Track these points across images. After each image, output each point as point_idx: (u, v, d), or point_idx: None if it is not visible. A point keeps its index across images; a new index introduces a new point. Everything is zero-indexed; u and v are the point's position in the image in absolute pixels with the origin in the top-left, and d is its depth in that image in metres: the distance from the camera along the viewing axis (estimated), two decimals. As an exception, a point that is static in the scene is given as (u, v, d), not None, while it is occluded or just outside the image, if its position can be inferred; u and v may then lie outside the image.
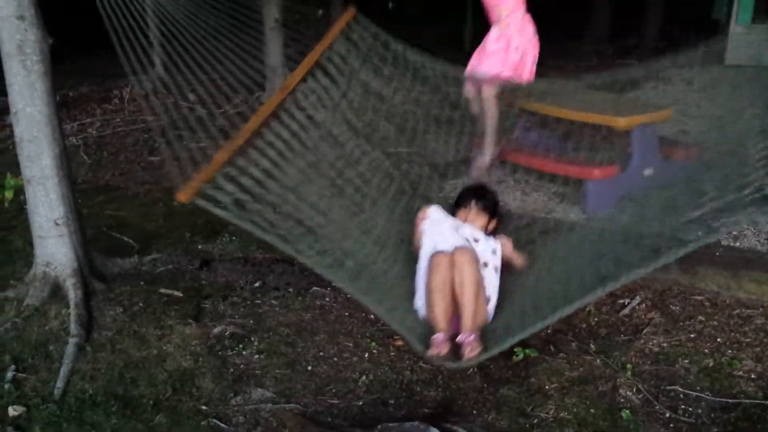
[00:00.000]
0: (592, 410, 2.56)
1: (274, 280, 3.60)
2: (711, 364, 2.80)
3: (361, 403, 2.68)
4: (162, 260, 3.79)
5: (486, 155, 4.24)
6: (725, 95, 6.91)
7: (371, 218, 3.03)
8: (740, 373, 2.75)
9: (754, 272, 3.28)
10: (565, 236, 3.09)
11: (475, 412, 2.61)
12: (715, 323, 3.07)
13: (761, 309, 3.15)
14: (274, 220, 2.36)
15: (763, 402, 2.57)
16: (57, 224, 3.30)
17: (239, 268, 3.73)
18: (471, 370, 2.80)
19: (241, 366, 2.90)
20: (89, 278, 3.42)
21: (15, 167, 3.42)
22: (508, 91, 4.12)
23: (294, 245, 2.31)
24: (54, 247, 3.33)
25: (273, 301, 3.40)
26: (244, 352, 2.99)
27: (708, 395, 2.62)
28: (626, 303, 3.27)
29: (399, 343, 2.99)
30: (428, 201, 3.37)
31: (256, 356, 2.96)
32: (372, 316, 3.17)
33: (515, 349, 2.85)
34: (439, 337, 2.61)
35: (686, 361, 2.83)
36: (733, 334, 2.99)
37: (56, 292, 3.32)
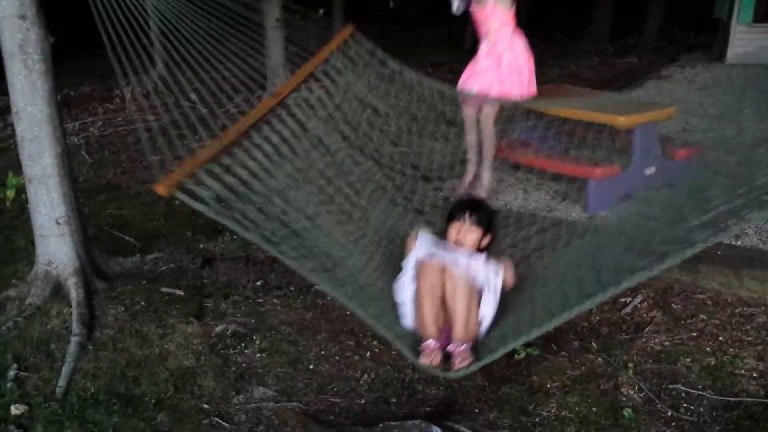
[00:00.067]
0: (593, 409, 2.56)
1: (275, 278, 3.60)
2: (713, 363, 2.80)
3: (362, 401, 2.69)
4: (164, 259, 3.80)
5: (485, 180, 4.26)
6: (727, 94, 6.91)
7: (360, 228, 2.96)
8: (742, 371, 2.74)
9: (756, 271, 3.28)
10: (565, 244, 2.96)
11: (476, 410, 2.61)
12: (717, 322, 3.07)
13: (763, 307, 3.15)
14: (258, 219, 2.31)
15: (764, 400, 2.57)
16: (58, 223, 3.30)
17: (241, 267, 3.73)
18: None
19: (243, 365, 2.90)
20: (91, 277, 3.42)
21: (17, 166, 3.43)
22: (506, 111, 4.12)
23: (277, 246, 2.25)
24: (55, 246, 3.33)
25: (275, 300, 3.40)
26: (245, 351, 2.99)
27: (710, 394, 2.62)
28: (628, 302, 3.27)
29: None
30: (421, 214, 3.34)
31: (258, 355, 2.97)
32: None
33: (517, 348, 2.86)
34: (430, 344, 2.45)
35: (688, 359, 2.83)
36: (734, 332, 2.99)
37: (58, 291, 3.32)
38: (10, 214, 4.44)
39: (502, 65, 4.04)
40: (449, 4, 4.14)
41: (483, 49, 4.13)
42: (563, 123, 4.53)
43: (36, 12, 3.06)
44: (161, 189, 2.13)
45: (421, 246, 2.82)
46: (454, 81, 4.33)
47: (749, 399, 2.58)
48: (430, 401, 2.68)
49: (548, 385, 2.71)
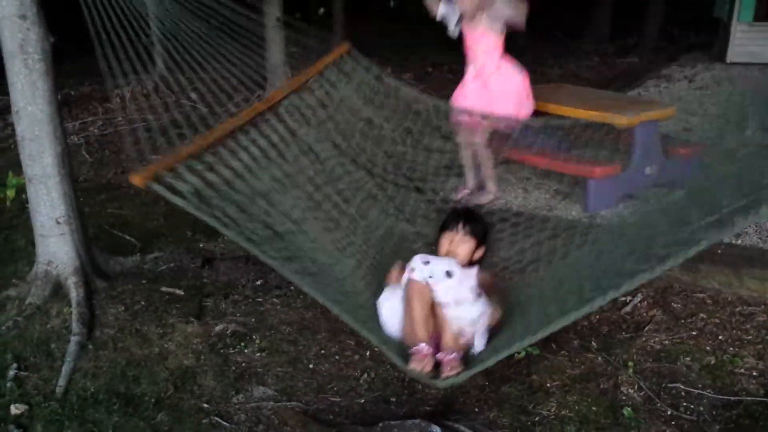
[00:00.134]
0: (593, 408, 2.56)
1: (275, 278, 3.59)
2: (712, 362, 2.80)
3: (362, 401, 2.69)
4: (164, 258, 3.80)
5: (489, 194, 4.28)
6: (727, 93, 6.91)
7: (348, 236, 2.92)
8: (742, 370, 2.74)
9: (756, 269, 3.28)
10: (562, 256, 2.88)
11: (476, 409, 2.61)
12: (717, 321, 3.07)
13: (763, 306, 3.15)
14: (239, 218, 2.27)
15: (764, 399, 2.57)
16: (58, 223, 3.31)
17: (241, 267, 3.73)
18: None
19: (243, 364, 2.90)
20: (91, 277, 3.43)
21: (17, 166, 3.43)
22: (499, 135, 4.12)
23: (258, 246, 2.21)
24: (55, 245, 3.34)
25: (274, 300, 3.40)
26: (245, 351, 2.99)
27: (710, 393, 2.62)
28: (628, 301, 3.27)
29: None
30: (412, 225, 3.32)
31: (258, 354, 2.97)
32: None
33: (516, 347, 2.85)
34: (423, 348, 2.36)
35: (688, 358, 2.83)
36: (734, 331, 2.99)
37: (58, 290, 3.32)
38: (10, 213, 4.44)
39: (490, 88, 4.05)
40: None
41: (470, 72, 4.16)
42: (563, 122, 4.54)
43: (36, 12, 3.06)
44: (137, 180, 2.12)
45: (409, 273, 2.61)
46: (454, 81, 4.34)
47: (749, 398, 2.58)
48: (430, 400, 2.68)
49: (548, 384, 2.71)
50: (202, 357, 2.93)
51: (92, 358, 2.91)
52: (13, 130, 3.33)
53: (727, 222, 1.65)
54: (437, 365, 2.35)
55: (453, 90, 4.30)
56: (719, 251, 3.45)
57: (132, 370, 2.83)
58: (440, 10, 4.13)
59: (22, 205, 4.08)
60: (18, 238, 4.11)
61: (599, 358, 2.85)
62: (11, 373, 2.80)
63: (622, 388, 2.66)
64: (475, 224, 2.81)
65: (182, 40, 3.08)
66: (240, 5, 3.22)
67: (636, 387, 2.66)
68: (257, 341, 3.05)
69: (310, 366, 2.89)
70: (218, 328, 3.14)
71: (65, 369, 2.81)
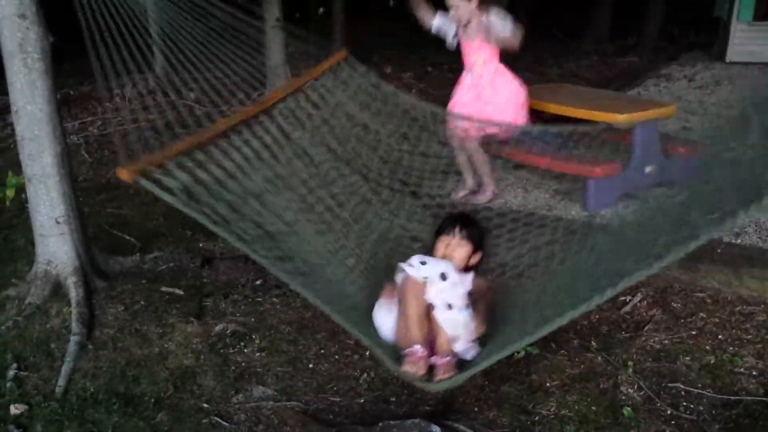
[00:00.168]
0: (593, 407, 2.56)
1: (275, 278, 3.58)
2: (712, 361, 2.79)
3: (362, 400, 2.68)
4: (163, 258, 3.80)
5: (486, 193, 4.28)
6: (727, 92, 6.91)
7: (341, 239, 2.90)
8: (741, 370, 2.74)
9: (756, 269, 3.28)
10: (560, 261, 2.83)
11: (476, 409, 2.61)
12: (717, 320, 3.07)
13: (763, 306, 3.14)
14: (229, 217, 2.26)
15: (764, 399, 2.56)
16: (58, 222, 3.31)
17: (241, 266, 3.73)
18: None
19: (243, 364, 2.90)
20: (90, 276, 3.43)
21: (16, 166, 3.43)
22: (494, 143, 4.12)
23: (249, 245, 2.19)
24: (55, 245, 3.34)
25: (274, 299, 3.40)
26: (245, 350, 2.99)
27: (709, 392, 2.62)
28: (627, 300, 3.27)
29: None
30: (408, 229, 3.31)
31: (258, 354, 2.97)
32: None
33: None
34: (417, 350, 2.34)
35: (687, 358, 2.83)
36: (734, 331, 2.99)
37: (57, 290, 3.32)
38: (10, 213, 4.44)
39: (484, 100, 4.06)
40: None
41: (466, 80, 4.16)
42: (563, 121, 4.54)
43: (36, 11, 3.06)
44: (125, 174, 2.11)
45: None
46: (454, 80, 4.34)
47: (749, 397, 2.58)
48: (430, 400, 2.67)
49: (548, 384, 2.71)
50: (202, 357, 2.93)
51: (92, 358, 2.91)
52: (13, 129, 3.33)
53: (727, 215, 1.63)
54: (431, 368, 2.33)
55: (452, 89, 4.30)
56: (719, 251, 3.45)
57: (132, 370, 2.83)
58: (435, 23, 4.14)
59: (21, 204, 4.07)
60: (17, 237, 4.11)
61: (599, 358, 2.85)
62: (11, 373, 2.80)
63: (621, 388, 2.66)
64: (471, 229, 2.79)
65: (181, 41, 3.07)
66: (239, 6, 3.22)
67: (636, 386, 2.66)
68: (257, 341, 3.05)
69: (310, 366, 2.89)
70: (218, 327, 3.14)
71: (65, 369, 2.81)
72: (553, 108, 4.39)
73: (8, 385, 2.73)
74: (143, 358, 2.91)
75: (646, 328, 3.05)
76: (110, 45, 2.82)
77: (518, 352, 2.87)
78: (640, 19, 10.95)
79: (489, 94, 4.06)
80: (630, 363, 2.78)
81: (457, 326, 2.42)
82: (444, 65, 9.08)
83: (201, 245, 4.02)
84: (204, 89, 3.29)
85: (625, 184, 4.00)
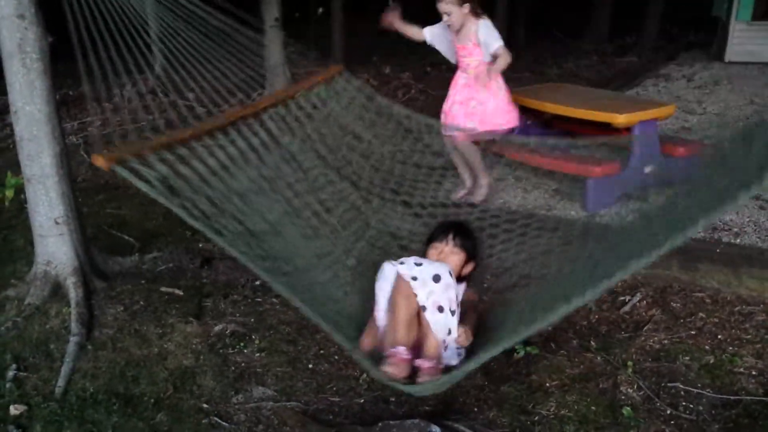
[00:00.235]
0: (593, 407, 2.56)
1: (274, 278, 3.60)
2: (712, 361, 2.80)
3: (362, 400, 2.69)
4: (163, 258, 3.80)
5: (482, 188, 4.28)
6: (726, 92, 6.92)
7: (327, 245, 2.88)
8: (741, 369, 2.74)
9: (755, 269, 3.28)
10: (557, 270, 2.76)
11: (476, 409, 2.61)
12: (716, 320, 3.07)
13: (762, 306, 3.14)
14: (209, 212, 2.23)
15: (763, 399, 2.57)
16: (57, 223, 3.30)
17: (240, 266, 3.72)
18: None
19: (242, 364, 2.90)
20: (90, 277, 3.43)
21: (15, 166, 3.43)
22: (485, 142, 4.12)
23: (229, 240, 2.17)
24: (54, 245, 3.33)
25: (274, 299, 3.40)
26: (245, 351, 2.99)
27: (709, 392, 2.62)
28: (627, 300, 3.27)
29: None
30: (396, 239, 3.27)
31: (257, 354, 2.97)
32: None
33: (516, 347, 2.86)
34: (401, 351, 2.28)
35: (687, 358, 2.83)
36: (733, 330, 2.99)
37: (57, 290, 3.32)
38: (9, 213, 4.44)
39: (473, 102, 4.07)
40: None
41: (460, 80, 4.16)
42: (563, 121, 4.54)
43: (34, 11, 3.07)
44: (100, 161, 2.10)
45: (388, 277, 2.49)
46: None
47: (748, 397, 2.58)
48: (429, 400, 2.67)
49: (547, 384, 2.71)
50: (202, 357, 2.93)
51: (91, 359, 2.91)
52: (12, 130, 3.33)
53: (726, 197, 1.61)
54: (414, 372, 2.28)
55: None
56: (718, 251, 3.45)
57: (131, 371, 2.83)
58: (427, 38, 4.19)
59: (20, 205, 4.08)
60: (17, 238, 4.10)
61: (598, 358, 2.85)
62: (10, 373, 2.80)
63: (621, 388, 2.66)
64: (464, 237, 2.74)
65: (180, 42, 3.07)
66: (234, 13, 3.21)
67: (635, 386, 2.66)
68: (256, 341, 3.05)
69: (310, 366, 2.89)
70: (217, 328, 3.13)
71: (64, 369, 2.81)
72: (553, 108, 4.39)
73: (8, 385, 2.73)
74: (143, 359, 2.91)
75: (646, 328, 3.05)
76: (99, 46, 2.81)
77: (517, 352, 2.87)
78: (639, 19, 10.95)
79: (483, 96, 4.06)
80: (629, 363, 2.78)
81: (447, 330, 2.38)
82: (443, 65, 9.02)
83: (200, 245, 4.01)
84: (204, 89, 3.29)
85: (624, 184, 4.00)
